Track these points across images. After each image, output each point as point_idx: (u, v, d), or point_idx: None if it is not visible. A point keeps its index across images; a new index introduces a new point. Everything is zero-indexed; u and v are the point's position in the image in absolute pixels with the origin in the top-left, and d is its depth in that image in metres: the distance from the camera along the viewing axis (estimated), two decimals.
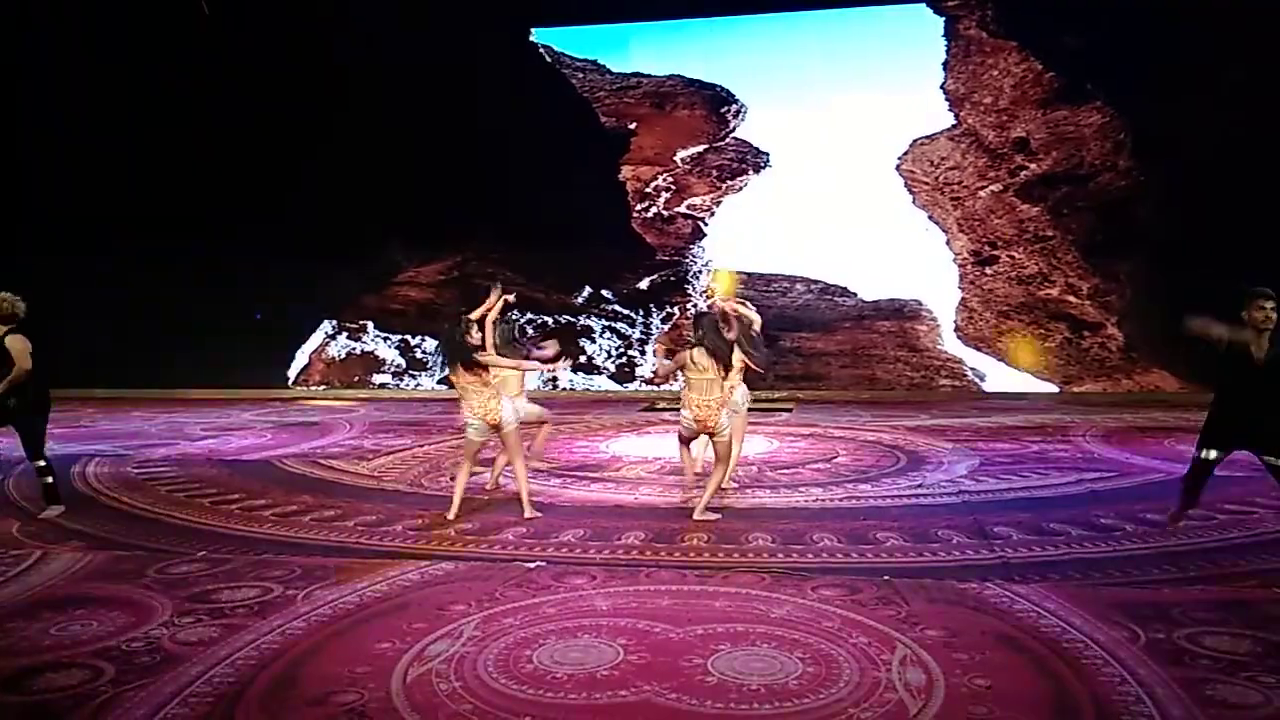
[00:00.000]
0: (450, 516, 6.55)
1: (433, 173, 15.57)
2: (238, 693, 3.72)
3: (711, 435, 6.55)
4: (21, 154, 15.74)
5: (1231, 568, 5.14)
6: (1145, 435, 9.73)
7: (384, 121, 15.37)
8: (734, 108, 15.80)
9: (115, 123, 15.71)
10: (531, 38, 16.18)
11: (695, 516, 6.46)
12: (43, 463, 6.76)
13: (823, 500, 7.11)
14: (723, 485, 7.06)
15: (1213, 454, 5.41)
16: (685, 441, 7.01)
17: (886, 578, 5.04)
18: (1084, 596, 4.68)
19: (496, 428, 6.57)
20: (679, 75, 15.98)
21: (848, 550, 5.68)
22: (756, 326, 7.20)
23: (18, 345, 6.41)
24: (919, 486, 7.56)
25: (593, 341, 16.06)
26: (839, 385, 15.07)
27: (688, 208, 16.10)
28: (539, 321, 15.78)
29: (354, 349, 16.89)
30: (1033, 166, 14.58)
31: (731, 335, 6.50)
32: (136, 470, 8.69)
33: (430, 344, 16.30)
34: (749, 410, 7.83)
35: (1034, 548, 5.64)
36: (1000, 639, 4.14)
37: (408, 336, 16.68)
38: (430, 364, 16.35)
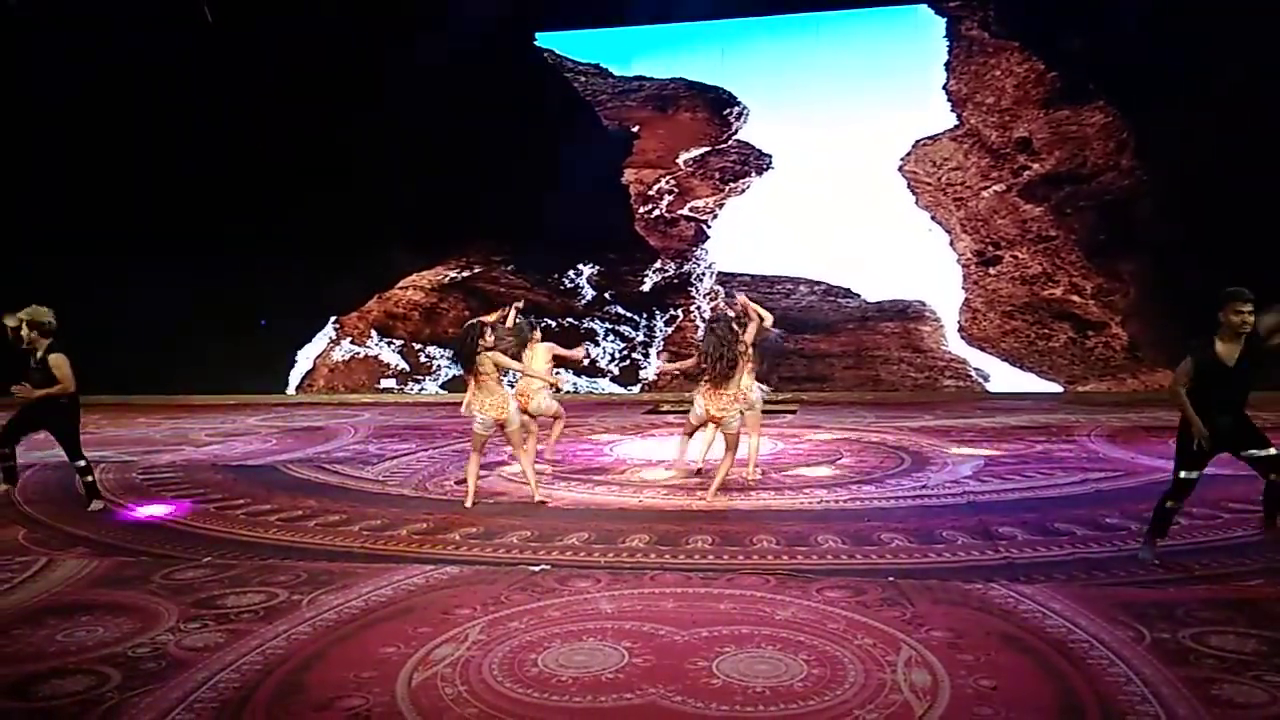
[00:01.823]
0: (468, 505, 7.00)
1: (436, 177, 15.59)
2: (244, 698, 3.73)
3: (719, 425, 7.09)
4: (24, 156, 15.78)
5: (1236, 566, 5.14)
6: (1150, 434, 9.71)
7: (386, 125, 15.39)
8: (736, 110, 15.81)
9: (119, 126, 15.74)
10: (535, 42, 16.22)
11: (708, 497, 7.09)
12: (82, 463, 7.13)
13: (827, 502, 7.11)
14: (748, 477, 7.59)
15: (1194, 474, 5.21)
16: (689, 433, 7.39)
17: (891, 579, 5.04)
18: (1089, 596, 4.67)
19: (502, 424, 7.01)
20: (681, 78, 16.00)
21: (852, 552, 5.68)
22: (769, 322, 7.52)
23: (63, 365, 6.80)
24: (923, 487, 7.55)
25: (596, 344, 16.06)
26: (843, 386, 15.05)
27: (690, 210, 16.10)
28: (543, 324, 15.80)
29: (358, 353, 16.91)
30: (1036, 166, 14.56)
31: (746, 337, 7.04)
32: (142, 476, 8.71)
33: (432, 350, 16.32)
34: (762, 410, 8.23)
35: (1039, 548, 5.63)
36: (1005, 639, 4.14)
37: (411, 341, 16.69)
38: (436, 368, 16.36)
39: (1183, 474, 5.23)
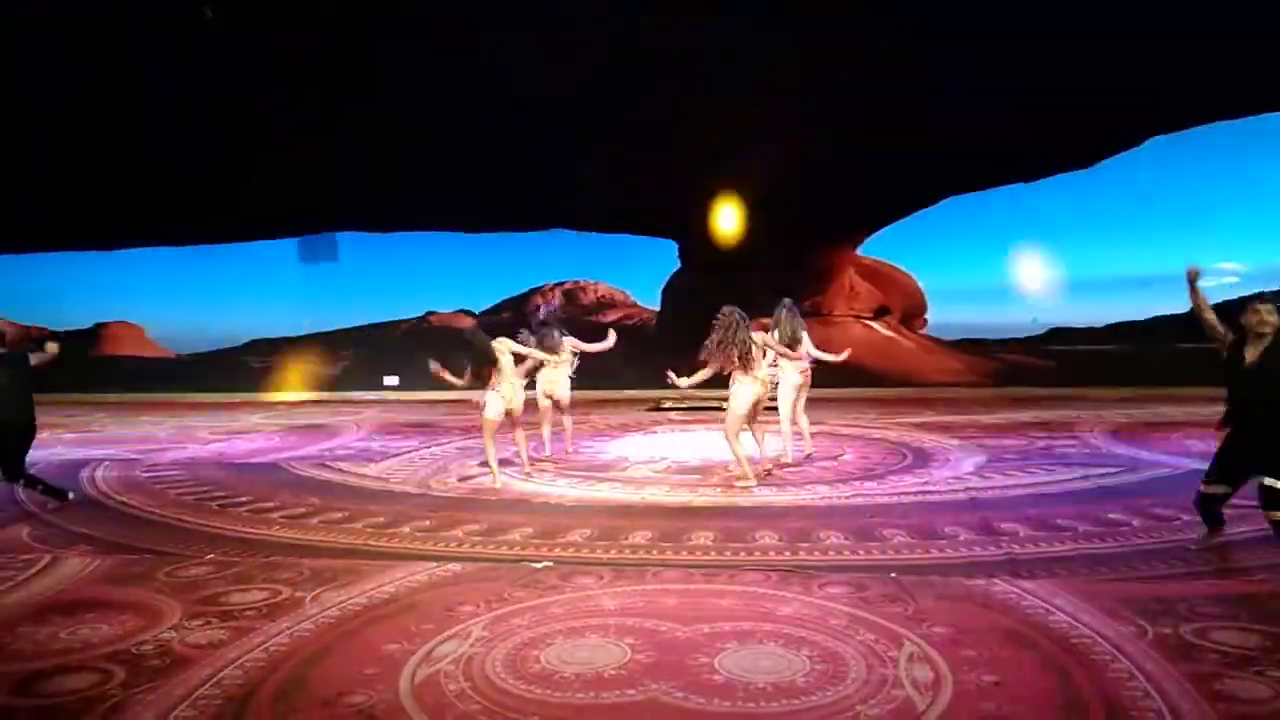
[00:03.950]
0: (497, 485, 7.59)
1: (435, 172, 15.59)
2: (247, 695, 3.73)
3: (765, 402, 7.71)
4: (24, 156, 15.78)
5: (1239, 562, 5.13)
6: (1153, 430, 9.71)
7: (381, 122, 15.38)
8: None
9: (119, 125, 15.74)
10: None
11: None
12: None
13: (830, 498, 7.11)
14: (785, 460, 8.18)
15: (1218, 489, 5.21)
16: (736, 434, 7.55)
17: (894, 575, 5.04)
18: (1092, 592, 4.67)
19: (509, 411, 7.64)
20: None
21: (855, 548, 5.68)
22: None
23: None
24: (926, 483, 7.55)
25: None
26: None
27: None
28: None
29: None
30: None
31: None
32: (145, 474, 8.72)
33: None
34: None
35: (1041, 544, 5.63)
36: (1008, 635, 4.14)
37: None
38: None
39: (1203, 489, 5.26)
